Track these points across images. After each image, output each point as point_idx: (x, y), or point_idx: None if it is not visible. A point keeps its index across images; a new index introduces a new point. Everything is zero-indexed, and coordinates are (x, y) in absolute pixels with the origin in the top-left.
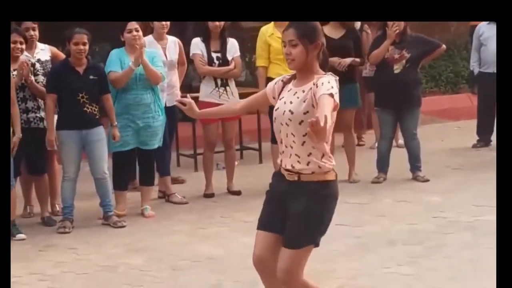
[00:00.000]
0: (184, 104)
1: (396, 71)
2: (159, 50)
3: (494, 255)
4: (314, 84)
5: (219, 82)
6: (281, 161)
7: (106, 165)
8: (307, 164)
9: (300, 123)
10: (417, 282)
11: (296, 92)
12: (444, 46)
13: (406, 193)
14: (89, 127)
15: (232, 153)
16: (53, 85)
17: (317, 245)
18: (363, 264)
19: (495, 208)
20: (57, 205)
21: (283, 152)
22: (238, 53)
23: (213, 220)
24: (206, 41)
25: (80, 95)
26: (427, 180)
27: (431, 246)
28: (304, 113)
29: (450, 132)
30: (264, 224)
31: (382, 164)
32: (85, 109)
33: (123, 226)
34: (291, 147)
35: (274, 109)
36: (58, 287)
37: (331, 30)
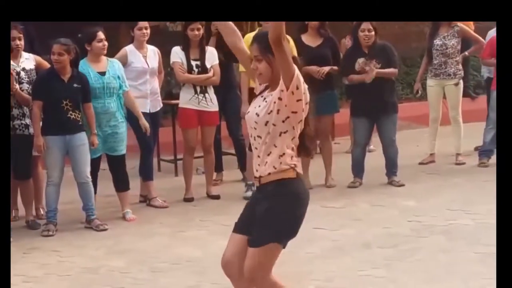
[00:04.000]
0: None
1: (367, 81)
2: (140, 58)
3: (468, 258)
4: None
5: (198, 89)
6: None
7: (89, 170)
8: (265, 164)
9: (266, 124)
10: (391, 284)
11: (265, 98)
12: (396, 72)
13: (381, 198)
14: (72, 133)
15: (211, 158)
16: (39, 93)
17: (283, 246)
18: (339, 266)
19: (470, 212)
20: (41, 209)
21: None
22: (216, 61)
23: (192, 224)
24: (186, 49)
25: (64, 102)
26: (403, 185)
27: (405, 250)
28: (268, 113)
29: (425, 138)
30: (237, 226)
31: (358, 170)
32: (69, 115)
33: (105, 229)
34: (257, 149)
35: (246, 113)
36: None
37: (309, 39)
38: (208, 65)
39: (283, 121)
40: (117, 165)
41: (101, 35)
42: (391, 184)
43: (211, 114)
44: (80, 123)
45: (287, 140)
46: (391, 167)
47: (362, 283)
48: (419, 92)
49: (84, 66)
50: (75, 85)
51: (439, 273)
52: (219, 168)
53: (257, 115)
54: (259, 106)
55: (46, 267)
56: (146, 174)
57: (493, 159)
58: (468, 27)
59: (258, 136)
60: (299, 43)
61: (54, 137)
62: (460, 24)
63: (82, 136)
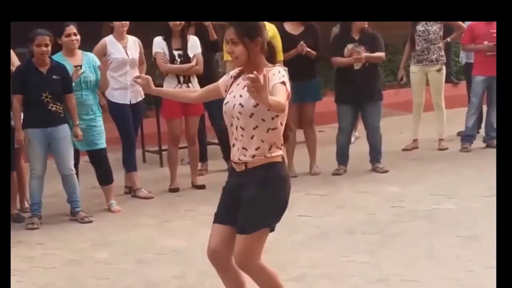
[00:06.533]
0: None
1: (356, 67)
2: (120, 49)
3: (450, 242)
4: (264, 77)
5: (181, 79)
6: (232, 154)
7: (72, 162)
8: (252, 157)
9: (250, 116)
10: (375, 270)
11: (244, 86)
12: (383, 56)
13: (365, 184)
14: (54, 125)
15: (196, 149)
16: (18, 86)
17: (272, 229)
18: (323, 253)
19: (452, 197)
20: (25, 202)
21: (233, 145)
22: (199, 50)
23: (178, 214)
24: (168, 39)
25: (44, 94)
26: (386, 171)
27: (389, 235)
28: (254, 106)
29: (409, 124)
30: (219, 217)
31: (342, 157)
32: (50, 107)
33: (90, 221)
34: (239, 141)
35: (224, 103)
36: (27, 281)
37: (291, 27)
38: (190, 54)
39: (273, 118)
40: (99, 159)
41: (69, 29)
42: (375, 171)
43: (195, 104)
44: (62, 115)
45: (275, 136)
46: (375, 153)
47: (346, 269)
48: (403, 78)
49: (60, 59)
50: (54, 76)
51: (422, 258)
52: (203, 158)
53: (241, 105)
54: (240, 96)
55: (31, 260)
56: (129, 165)
57: (475, 144)
58: None
59: (241, 128)
60: (281, 31)
61: (35, 130)
62: None
63: (65, 128)
